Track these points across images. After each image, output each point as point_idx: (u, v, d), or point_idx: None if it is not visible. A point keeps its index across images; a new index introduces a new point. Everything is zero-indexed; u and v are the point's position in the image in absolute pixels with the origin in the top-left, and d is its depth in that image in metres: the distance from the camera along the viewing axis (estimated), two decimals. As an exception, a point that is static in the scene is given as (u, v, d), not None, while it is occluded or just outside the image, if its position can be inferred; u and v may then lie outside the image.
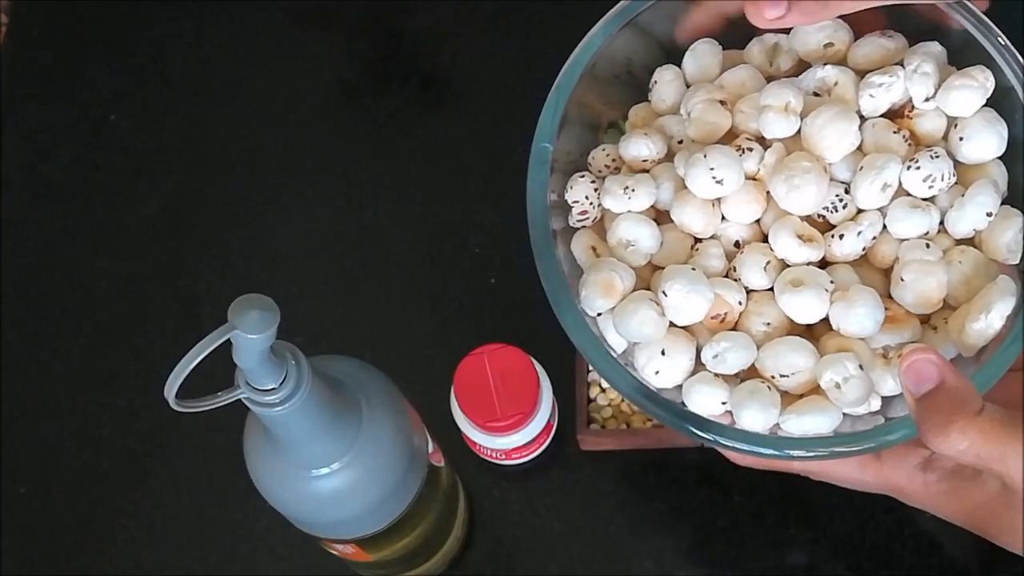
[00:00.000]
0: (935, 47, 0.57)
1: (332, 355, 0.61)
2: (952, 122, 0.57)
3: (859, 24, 0.59)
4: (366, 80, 0.90)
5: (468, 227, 0.85)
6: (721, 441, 0.53)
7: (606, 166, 0.60)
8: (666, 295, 0.54)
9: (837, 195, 0.56)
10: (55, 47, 0.94)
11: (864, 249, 0.55)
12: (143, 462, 0.81)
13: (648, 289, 0.56)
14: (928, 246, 0.54)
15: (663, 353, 0.54)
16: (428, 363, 0.79)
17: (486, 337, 0.73)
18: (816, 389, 0.54)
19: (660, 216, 0.58)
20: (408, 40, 0.92)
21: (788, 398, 0.54)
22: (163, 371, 0.49)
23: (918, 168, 0.55)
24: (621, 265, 0.56)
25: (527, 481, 0.78)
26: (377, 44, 0.92)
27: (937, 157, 0.55)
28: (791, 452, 0.53)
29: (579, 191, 0.58)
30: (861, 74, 0.58)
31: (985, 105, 0.56)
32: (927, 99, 0.56)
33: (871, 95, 0.56)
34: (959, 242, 0.56)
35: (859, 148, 0.56)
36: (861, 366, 0.52)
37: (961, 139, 0.56)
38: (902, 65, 0.57)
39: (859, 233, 0.55)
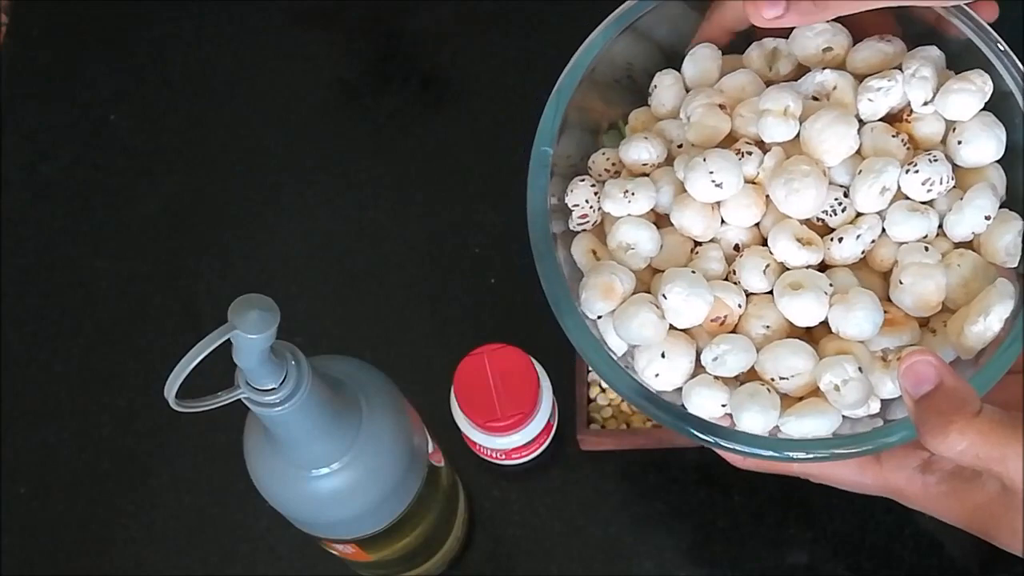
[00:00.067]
0: (933, 51, 0.57)
1: (332, 355, 0.61)
2: (950, 126, 0.57)
3: (860, 28, 0.59)
4: (366, 80, 0.90)
5: (468, 227, 0.85)
6: (721, 443, 0.53)
7: (606, 170, 0.60)
8: (666, 298, 0.54)
9: (836, 199, 0.56)
10: (55, 47, 0.94)
11: (863, 252, 0.56)
12: (143, 462, 0.81)
13: (648, 292, 0.56)
14: (927, 249, 0.54)
15: (663, 356, 0.54)
16: (428, 363, 0.79)
17: (486, 337, 0.73)
18: (815, 391, 0.54)
19: (660, 220, 0.58)
20: (408, 40, 0.92)
21: (788, 401, 0.54)
22: (163, 371, 0.49)
23: (917, 172, 0.55)
24: (621, 268, 0.56)
25: (527, 481, 0.78)
26: (377, 44, 0.92)
27: (936, 161, 0.55)
28: (791, 454, 0.53)
29: (579, 195, 0.58)
30: (860, 78, 0.58)
31: (983, 109, 0.56)
32: (925, 103, 0.56)
33: (870, 99, 0.56)
34: (957, 245, 0.56)
35: (858, 152, 0.56)
36: (860, 368, 0.53)
37: (960, 143, 0.56)
38: (900, 69, 0.57)
39: (858, 236, 0.55)
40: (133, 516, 0.80)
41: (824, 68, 0.58)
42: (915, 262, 0.54)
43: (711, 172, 0.55)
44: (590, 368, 0.77)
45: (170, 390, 0.49)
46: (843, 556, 0.75)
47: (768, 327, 0.55)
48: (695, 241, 0.58)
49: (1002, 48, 0.56)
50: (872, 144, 0.56)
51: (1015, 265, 0.55)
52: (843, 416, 0.54)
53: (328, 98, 0.90)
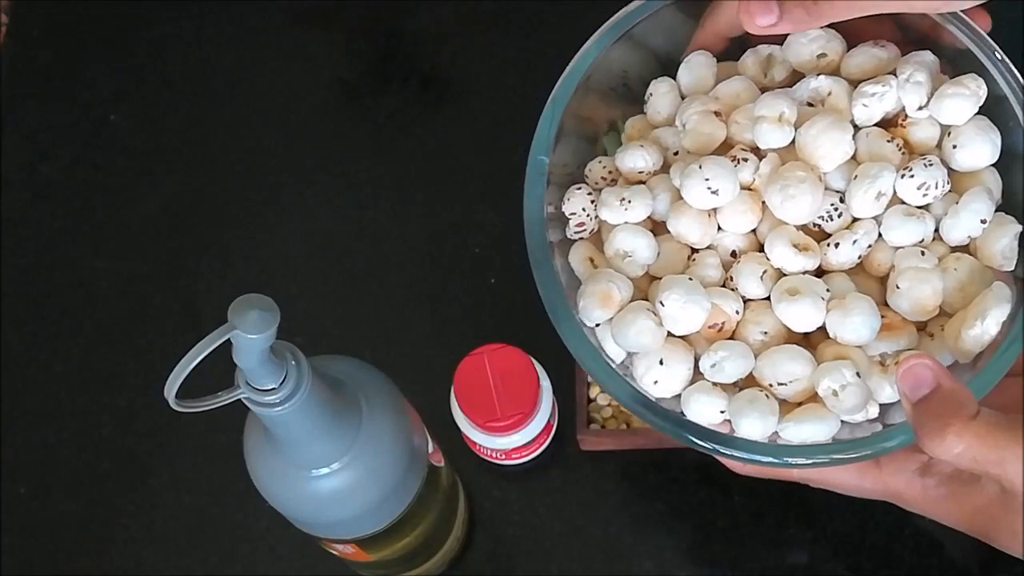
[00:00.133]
0: (927, 56, 0.57)
1: (332, 355, 0.61)
2: (945, 130, 0.57)
3: (855, 35, 0.59)
4: (366, 80, 0.90)
5: (468, 227, 0.85)
6: (721, 450, 0.53)
7: (603, 178, 0.60)
8: (663, 305, 0.54)
9: (832, 204, 0.56)
10: (55, 47, 0.94)
11: (860, 257, 0.56)
12: (143, 462, 0.81)
13: (646, 300, 0.56)
14: (923, 253, 0.55)
15: (661, 363, 0.54)
16: (428, 363, 0.79)
17: (486, 337, 0.73)
18: (814, 397, 0.54)
19: (657, 227, 0.58)
20: (408, 40, 0.92)
21: (786, 406, 0.54)
22: (163, 371, 0.49)
23: (912, 176, 0.55)
24: (618, 276, 0.56)
25: (527, 481, 0.78)
26: (377, 44, 0.92)
27: (931, 165, 0.55)
28: (790, 460, 0.53)
29: (576, 203, 0.58)
30: (854, 84, 0.58)
31: (978, 113, 0.56)
32: (920, 108, 0.56)
33: (864, 104, 0.56)
34: (954, 249, 0.56)
35: (853, 157, 0.56)
36: (858, 373, 0.53)
37: (955, 147, 0.56)
38: (895, 74, 0.57)
39: (854, 241, 0.55)
40: (133, 516, 0.80)
41: (819, 74, 0.58)
42: (911, 266, 0.54)
43: (707, 179, 0.55)
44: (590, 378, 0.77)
45: (170, 390, 0.49)
46: (843, 556, 0.75)
47: (766, 333, 0.55)
48: (692, 248, 0.58)
49: (997, 54, 0.56)
50: (867, 149, 0.56)
51: (1012, 268, 0.55)
52: (842, 421, 0.54)
53: (328, 98, 0.90)
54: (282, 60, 0.92)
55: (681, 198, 0.56)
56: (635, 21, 0.59)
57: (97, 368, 0.84)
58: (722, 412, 0.54)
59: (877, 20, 0.59)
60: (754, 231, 0.57)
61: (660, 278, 0.56)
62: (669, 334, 0.55)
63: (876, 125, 0.57)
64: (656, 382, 0.55)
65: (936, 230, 0.56)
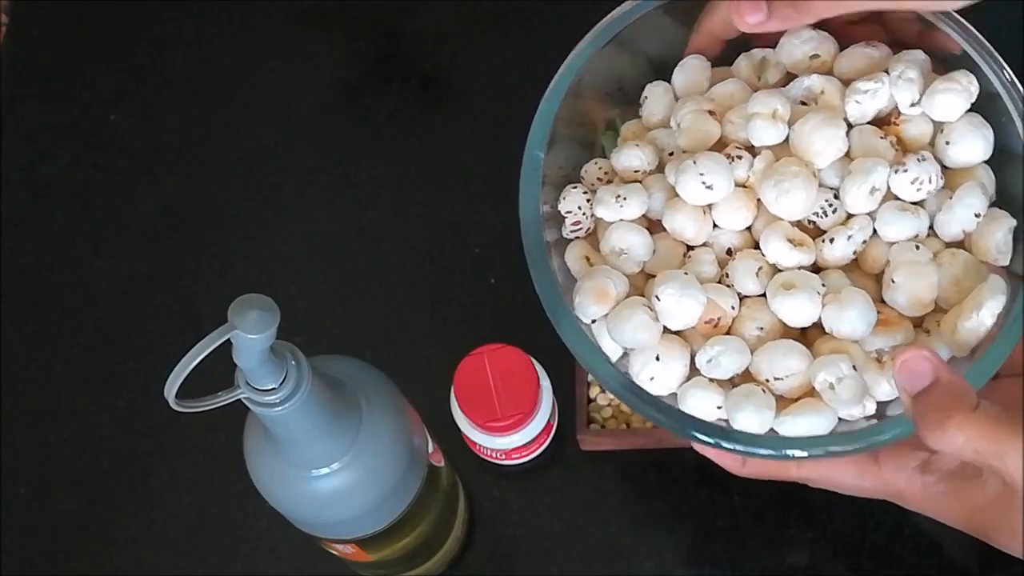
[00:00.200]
0: (919, 54, 0.58)
1: (332, 355, 0.61)
2: (938, 127, 0.57)
3: (847, 37, 0.60)
4: (366, 80, 0.90)
5: (468, 227, 0.85)
6: (723, 444, 0.53)
7: (599, 179, 0.60)
8: (659, 299, 0.54)
9: (827, 200, 0.56)
10: (55, 47, 0.94)
11: (855, 253, 0.56)
12: (143, 462, 0.81)
13: (642, 296, 0.56)
14: (918, 248, 0.55)
15: (657, 359, 0.54)
16: (428, 363, 0.79)
17: (486, 337, 0.73)
18: (810, 392, 0.54)
19: (653, 226, 0.59)
20: (408, 40, 0.92)
21: (783, 402, 0.54)
22: (163, 371, 0.49)
23: (906, 171, 0.55)
24: (614, 272, 0.56)
25: (527, 481, 0.78)
26: (377, 44, 0.92)
27: (924, 160, 0.55)
28: (789, 452, 0.53)
29: (572, 201, 0.59)
30: (847, 83, 0.58)
31: (971, 111, 0.56)
32: (912, 104, 0.56)
33: (857, 101, 0.57)
34: (949, 245, 0.56)
35: (847, 155, 0.56)
36: (855, 367, 0.53)
37: (948, 143, 0.56)
38: (887, 72, 0.57)
39: (849, 237, 0.55)
40: (133, 516, 0.80)
41: (812, 75, 0.58)
42: (906, 260, 0.54)
43: (701, 174, 0.55)
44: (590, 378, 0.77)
45: (170, 390, 0.49)
46: (843, 556, 0.75)
47: (762, 329, 0.55)
48: (688, 246, 0.58)
49: (989, 52, 0.57)
50: (861, 146, 0.56)
51: (1007, 263, 0.55)
52: (839, 419, 0.54)
53: (328, 98, 0.90)
54: (282, 60, 0.92)
55: (677, 195, 0.56)
56: (631, 19, 0.59)
57: (97, 368, 0.84)
58: (719, 408, 0.54)
59: (868, 24, 0.59)
60: (749, 229, 0.57)
61: (656, 276, 0.56)
62: (665, 330, 0.55)
63: (870, 124, 0.57)
64: (652, 379, 0.55)
65: (932, 227, 0.56)
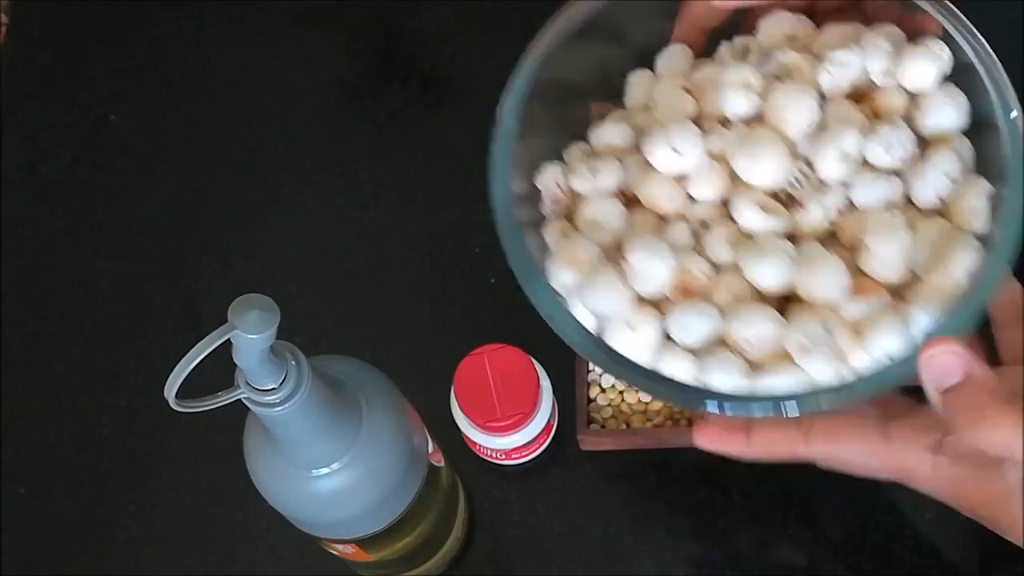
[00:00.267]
0: (893, 28, 0.58)
1: (332, 355, 0.61)
2: (913, 100, 0.57)
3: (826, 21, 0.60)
4: (366, 80, 0.90)
5: (468, 227, 0.85)
6: (726, 406, 0.52)
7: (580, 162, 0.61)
8: (628, 262, 0.54)
9: (801, 170, 0.56)
10: (55, 47, 0.94)
11: (832, 223, 0.56)
12: (143, 462, 0.81)
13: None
14: (892, 214, 0.55)
15: (630, 328, 0.54)
16: (428, 363, 0.79)
17: (486, 337, 0.73)
18: (784, 357, 0.54)
19: (631, 203, 0.59)
20: (408, 40, 0.92)
21: (756, 367, 0.54)
22: (163, 371, 0.49)
23: (877, 137, 0.55)
24: (587, 242, 0.56)
25: (527, 481, 0.78)
26: (377, 44, 0.92)
27: (896, 127, 0.55)
28: (785, 405, 0.52)
29: (549, 176, 0.59)
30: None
31: (947, 85, 0.56)
32: (885, 73, 0.56)
33: (828, 71, 0.57)
34: (925, 214, 0.56)
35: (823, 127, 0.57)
36: (828, 328, 0.52)
37: (921, 111, 0.56)
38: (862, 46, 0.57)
39: (822, 202, 0.55)
40: (133, 516, 0.80)
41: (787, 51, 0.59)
42: (880, 225, 0.54)
43: (669, 139, 0.55)
44: (590, 367, 0.77)
45: (170, 390, 0.49)
46: (843, 556, 0.75)
47: (735, 297, 0.55)
48: (663, 219, 0.58)
49: (964, 24, 0.57)
50: (834, 117, 0.57)
51: (984, 229, 0.54)
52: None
53: (328, 98, 0.90)
54: (282, 60, 0.92)
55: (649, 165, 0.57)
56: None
57: (97, 368, 0.84)
58: (693, 375, 0.54)
59: (845, 11, 0.59)
60: (726, 204, 0.57)
61: None
62: (640, 300, 0.55)
63: (846, 98, 0.58)
64: (626, 349, 0.55)
65: (913, 204, 0.56)
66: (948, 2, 0.57)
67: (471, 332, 0.80)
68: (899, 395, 0.57)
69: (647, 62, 0.62)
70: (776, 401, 0.52)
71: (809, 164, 0.56)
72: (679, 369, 0.54)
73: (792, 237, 0.56)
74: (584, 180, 0.57)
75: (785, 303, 0.55)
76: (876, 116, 0.57)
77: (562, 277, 0.56)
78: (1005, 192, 0.53)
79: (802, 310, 0.54)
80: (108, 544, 0.79)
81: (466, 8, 0.91)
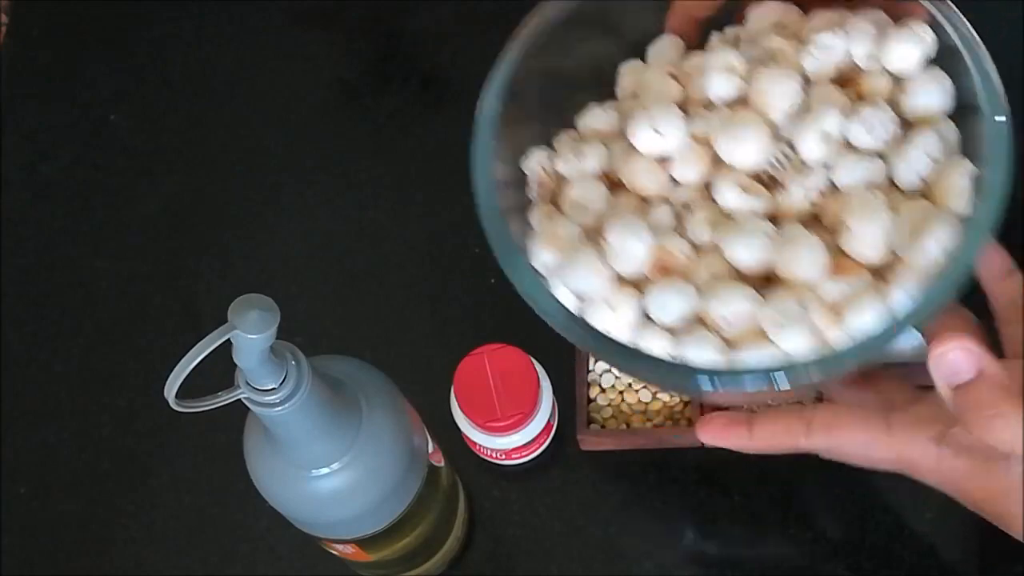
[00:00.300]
0: (879, 13, 0.58)
1: (332, 355, 0.61)
2: (898, 84, 0.57)
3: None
4: (366, 80, 0.90)
5: (468, 227, 0.84)
6: (717, 381, 0.52)
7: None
8: (607, 241, 0.54)
9: (782, 152, 0.56)
10: (55, 47, 0.94)
11: (813, 205, 0.56)
12: (143, 462, 0.81)
13: None
14: (873, 194, 0.55)
15: (610, 307, 0.54)
16: (428, 363, 0.79)
17: (486, 337, 0.73)
18: (760, 335, 0.54)
19: (616, 187, 0.59)
20: (408, 40, 0.92)
21: (732, 345, 0.54)
22: (163, 371, 0.49)
23: (859, 118, 0.55)
24: (568, 222, 0.57)
25: (527, 481, 0.78)
26: (377, 44, 0.92)
27: (878, 107, 0.55)
28: (775, 375, 0.51)
29: (535, 160, 0.59)
30: None
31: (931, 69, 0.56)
32: (869, 57, 0.57)
33: (813, 54, 0.57)
34: (908, 196, 0.56)
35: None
36: (804, 305, 0.52)
37: (905, 94, 0.56)
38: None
39: (804, 184, 0.55)
40: (133, 516, 0.80)
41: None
42: (860, 204, 0.54)
43: (652, 120, 0.56)
44: (590, 367, 0.77)
45: (170, 390, 0.49)
46: (843, 556, 0.75)
47: (714, 276, 0.55)
48: (646, 202, 0.58)
49: (950, 8, 0.56)
50: (818, 100, 0.57)
51: (967, 210, 0.54)
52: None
53: (328, 98, 0.90)
54: (282, 60, 0.92)
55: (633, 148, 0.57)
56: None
57: (97, 368, 0.84)
58: (671, 355, 0.54)
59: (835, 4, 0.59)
60: (709, 187, 0.58)
61: None
62: (619, 280, 0.55)
63: (832, 83, 0.58)
64: (606, 329, 0.55)
65: (896, 186, 0.56)
66: None
67: (471, 332, 0.80)
68: (902, 385, 0.57)
69: (641, 54, 0.63)
70: (767, 373, 0.52)
71: (791, 147, 0.56)
72: (657, 348, 0.54)
73: (774, 219, 0.56)
74: (569, 162, 0.58)
75: (766, 284, 0.55)
76: (860, 99, 0.57)
77: (543, 257, 0.56)
78: (985, 169, 0.53)
79: (780, 289, 0.54)
80: (108, 544, 0.79)
81: (466, 8, 0.91)
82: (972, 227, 0.52)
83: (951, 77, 0.56)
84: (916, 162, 0.54)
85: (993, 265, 0.57)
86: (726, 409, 0.71)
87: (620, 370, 0.55)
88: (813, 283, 0.53)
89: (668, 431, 0.76)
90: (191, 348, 0.48)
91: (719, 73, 0.57)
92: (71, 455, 0.82)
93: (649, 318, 0.55)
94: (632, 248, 0.54)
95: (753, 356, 0.53)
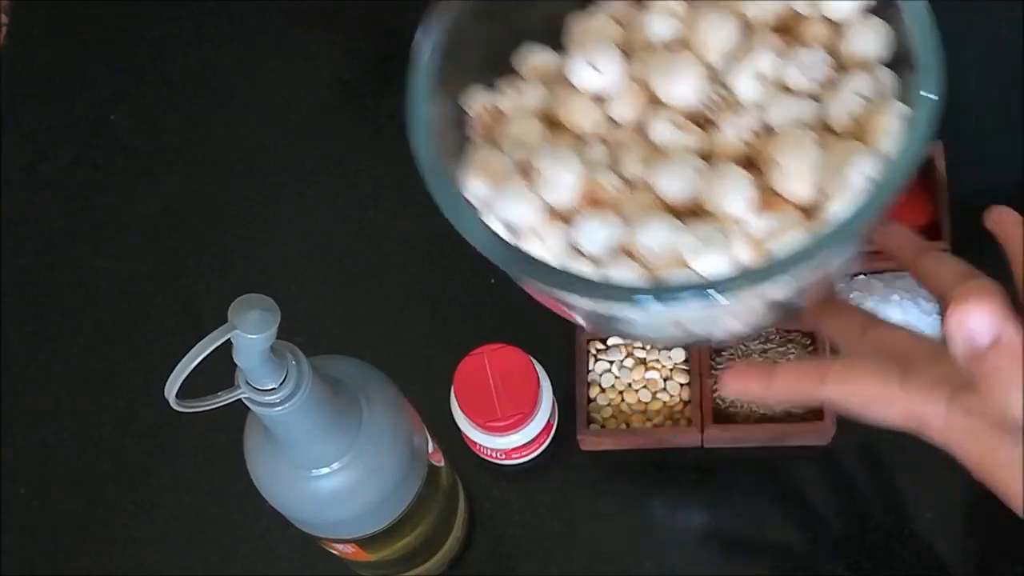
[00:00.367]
0: None
1: (332, 355, 0.61)
2: (837, 32, 0.57)
3: None
4: (366, 80, 0.90)
5: (468, 227, 0.85)
6: (656, 298, 0.52)
7: None
8: (537, 170, 0.55)
9: (717, 92, 0.56)
10: (55, 47, 0.94)
11: (745, 143, 0.56)
12: (143, 462, 0.81)
13: None
14: (804, 131, 0.55)
15: (540, 238, 0.55)
16: (428, 363, 0.79)
17: (486, 337, 0.73)
18: (682, 263, 0.54)
19: (554, 126, 0.59)
20: (408, 40, 0.91)
21: (655, 274, 0.54)
22: (163, 371, 0.49)
23: (794, 58, 0.56)
24: (501, 154, 0.57)
25: (527, 481, 0.78)
26: (377, 44, 0.92)
27: (813, 49, 0.56)
28: (713, 291, 0.51)
29: (476, 100, 0.59)
30: None
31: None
32: (809, 5, 0.57)
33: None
34: (842, 137, 0.56)
35: None
36: (724, 233, 0.53)
37: (842, 38, 0.57)
38: None
39: (737, 123, 0.56)
40: (133, 516, 0.80)
41: None
42: (788, 139, 0.55)
43: (589, 56, 0.56)
44: (590, 367, 0.77)
45: (170, 390, 0.49)
46: (843, 556, 0.75)
47: (643, 209, 0.55)
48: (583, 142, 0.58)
49: None
50: (756, 43, 0.57)
51: (896, 152, 0.54)
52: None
53: (328, 98, 0.90)
54: (282, 60, 0.92)
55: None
56: None
57: (97, 368, 0.84)
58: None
59: None
60: (644, 129, 0.58)
61: None
62: (551, 213, 0.55)
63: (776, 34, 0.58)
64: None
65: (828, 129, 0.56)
66: None
67: (471, 332, 0.80)
68: (920, 345, 0.57)
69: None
70: (705, 287, 0.52)
71: (727, 88, 0.57)
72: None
73: (707, 158, 0.56)
74: (508, 99, 0.58)
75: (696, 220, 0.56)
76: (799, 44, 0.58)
77: (474, 186, 0.56)
78: (914, 111, 0.54)
79: (705, 219, 0.54)
80: (108, 544, 0.79)
81: (466, 8, 0.91)
82: (894, 164, 0.52)
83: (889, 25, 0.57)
84: (848, 102, 0.55)
85: (1006, 220, 0.57)
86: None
87: (553, 295, 0.55)
88: (740, 217, 0.54)
89: (668, 431, 0.76)
90: (191, 348, 0.48)
91: (660, 15, 0.58)
92: (71, 455, 0.82)
93: (577, 251, 0.55)
94: (561, 178, 0.55)
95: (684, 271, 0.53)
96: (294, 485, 0.59)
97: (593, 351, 0.78)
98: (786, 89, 0.56)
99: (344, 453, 0.58)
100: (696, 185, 0.54)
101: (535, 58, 0.60)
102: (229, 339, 0.49)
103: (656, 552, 0.76)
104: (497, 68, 0.62)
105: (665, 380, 0.77)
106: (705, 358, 0.76)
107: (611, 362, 0.78)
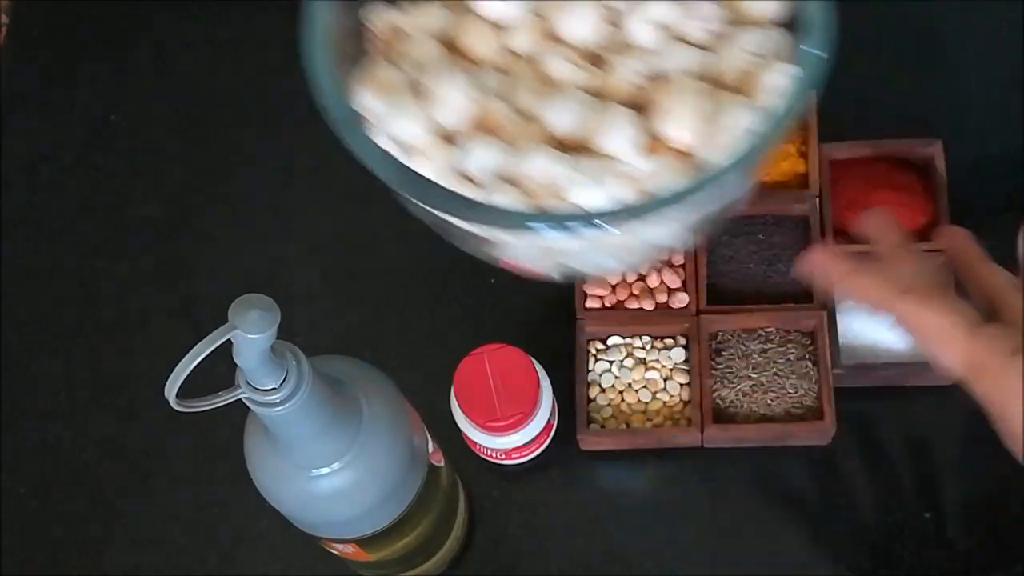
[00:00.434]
0: None
1: (332, 355, 0.61)
2: None
3: None
4: (366, 80, 0.90)
5: (468, 227, 0.85)
6: (544, 224, 0.52)
7: None
8: (429, 88, 0.55)
9: (612, 34, 0.57)
10: (55, 47, 0.94)
11: (636, 86, 0.56)
12: (143, 462, 0.81)
13: None
14: (691, 78, 0.55)
15: (427, 157, 0.55)
16: (428, 363, 0.79)
17: (486, 337, 0.73)
18: (559, 193, 0.54)
19: (453, 51, 0.59)
20: (408, 40, 0.92)
21: (535, 201, 0.55)
22: (163, 371, 0.49)
23: (687, 9, 0.56)
24: (396, 70, 0.57)
25: (527, 481, 0.78)
26: (377, 44, 0.91)
27: (710, 1, 0.56)
28: (598, 222, 0.51)
29: (374, 12, 0.59)
30: None
31: None
32: None
33: None
34: (730, 90, 0.56)
35: None
36: (604, 169, 0.53)
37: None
38: None
39: (629, 64, 0.56)
40: (133, 516, 0.80)
41: None
42: (677, 85, 0.55)
43: None
44: (590, 367, 0.77)
45: (170, 390, 0.49)
46: (843, 556, 0.75)
47: (531, 140, 0.55)
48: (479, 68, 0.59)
49: None
50: None
51: (782, 108, 0.55)
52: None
53: (328, 98, 0.90)
54: (282, 60, 0.91)
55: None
56: None
57: (97, 368, 0.84)
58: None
59: None
60: (540, 63, 0.58)
61: None
62: (441, 135, 0.55)
63: None
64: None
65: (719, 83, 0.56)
66: None
67: (471, 332, 0.80)
68: (1014, 297, 0.57)
69: None
70: (588, 218, 0.52)
71: (624, 31, 0.57)
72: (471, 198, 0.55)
73: (598, 96, 0.56)
74: (406, 17, 0.58)
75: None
76: None
77: (365, 100, 0.56)
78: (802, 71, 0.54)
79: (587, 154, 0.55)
80: (108, 544, 0.79)
81: (466, 8, 0.91)
82: (773, 118, 0.53)
83: None
84: (738, 57, 0.55)
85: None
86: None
87: (434, 216, 0.55)
88: (622, 156, 0.54)
89: (668, 431, 0.76)
90: (191, 348, 0.48)
91: None
92: (71, 455, 0.82)
93: (463, 175, 0.55)
94: (452, 98, 0.55)
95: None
96: (294, 485, 0.59)
97: (593, 351, 0.78)
98: (682, 40, 0.57)
99: (344, 453, 0.58)
100: (583, 121, 0.55)
101: None
102: (229, 339, 0.49)
103: (656, 552, 0.76)
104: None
105: (665, 380, 0.77)
106: (705, 358, 0.76)
107: (611, 362, 0.78)
